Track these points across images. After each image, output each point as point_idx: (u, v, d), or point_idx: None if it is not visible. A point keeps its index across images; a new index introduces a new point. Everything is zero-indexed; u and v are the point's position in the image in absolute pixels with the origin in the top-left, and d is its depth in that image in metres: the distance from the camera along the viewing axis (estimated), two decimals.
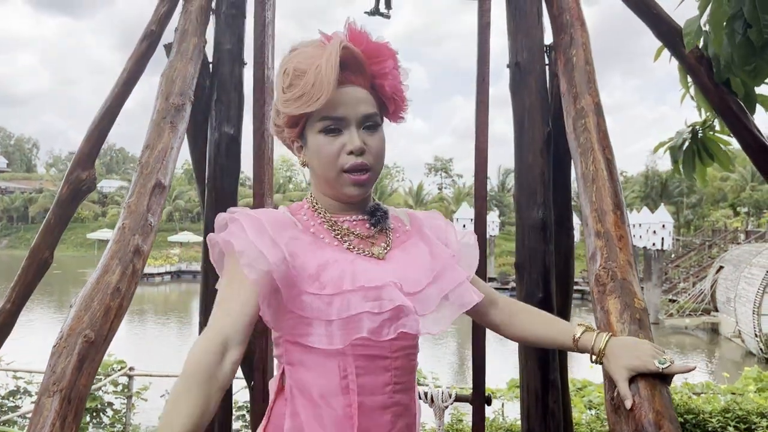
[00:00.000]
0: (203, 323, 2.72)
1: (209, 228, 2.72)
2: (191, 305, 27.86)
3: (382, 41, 1.25)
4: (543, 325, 1.41)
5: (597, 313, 1.57)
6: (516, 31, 2.69)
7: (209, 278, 2.69)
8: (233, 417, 3.09)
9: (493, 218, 28.10)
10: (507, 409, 5.79)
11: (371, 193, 1.33)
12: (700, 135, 2.87)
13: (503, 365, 5.22)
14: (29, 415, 5.42)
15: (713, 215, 46.79)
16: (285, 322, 1.21)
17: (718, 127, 2.85)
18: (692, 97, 2.82)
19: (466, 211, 24.97)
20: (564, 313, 2.77)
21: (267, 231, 1.18)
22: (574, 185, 2.63)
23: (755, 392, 6.10)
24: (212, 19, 2.77)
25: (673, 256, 33.53)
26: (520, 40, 2.66)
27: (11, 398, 5.93)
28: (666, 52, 2.66)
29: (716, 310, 22.94)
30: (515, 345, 2.17)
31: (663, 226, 24.64)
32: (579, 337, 1.31)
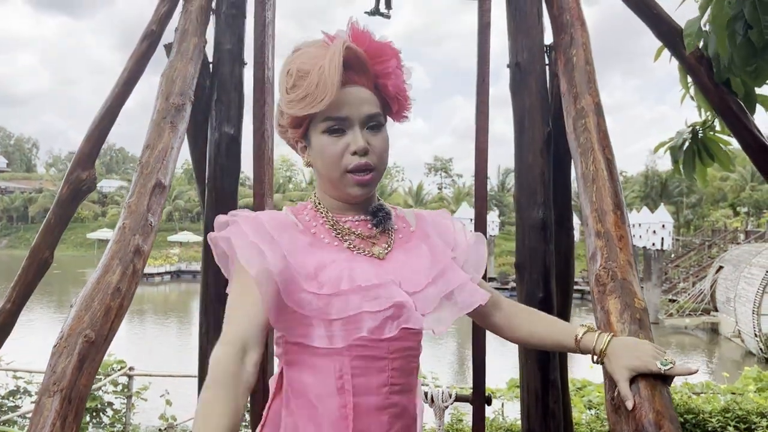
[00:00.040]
0: (204, 323, 2.72)
1: (209, 228, 2.69)
2: (191, 305, 27.86)
3: (385, 41, 1.25)
4: (545, 326, 1.41)
5: (597, 313, 1.57)
6: (516, 31, 2.68)
7: (209, 278, 2.69)
8: None
9: (492, 218, 28.06)
10: (507, 408, 5.80)
11: (375, 193, 1.33)
12: (700, 135, 2.87)
13: (503, 365, 5.21)
14: (29, 415, 5.42)
15: (713, 215, 46.81)
16: (286, 322, 1.21)
17: (718, 127, 2.85)
18: (692, 98, 2.82)
19: (466, 211, 24.96)
20: (564, 313, 2.77)
21: (266, 230, 1.19)
22: (574, 185, 2.64)
23: (755, 392, 6.10)
24: (212, 19, 2.77)
25: (672, 255, 33.53)
26: (520, 40, 2.66)
27: (11, 398, 5.93)
28: (666, 52, 2.66)
29: (716, 309, 22.95)
30: (515, 345, 2.17)
31: (663, 225, 24.64)
32: (581, 338, 1.30)
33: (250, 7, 2.73)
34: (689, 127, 2.93)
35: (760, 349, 18.16)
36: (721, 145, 2.85)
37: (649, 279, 24.13)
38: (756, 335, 18.44)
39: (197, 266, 37.41)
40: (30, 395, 5.94)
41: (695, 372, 1.28)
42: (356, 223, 1.29)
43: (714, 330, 22.88)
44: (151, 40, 2.71)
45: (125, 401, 6.16)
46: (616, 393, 1.26)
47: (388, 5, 3.23)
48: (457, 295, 1.29)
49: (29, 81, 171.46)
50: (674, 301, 25.40)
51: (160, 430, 6.04)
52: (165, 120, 2.26)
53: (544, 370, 2.53)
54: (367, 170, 1.22)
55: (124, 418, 6.11)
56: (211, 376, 1.10)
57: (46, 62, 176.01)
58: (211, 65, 2.79)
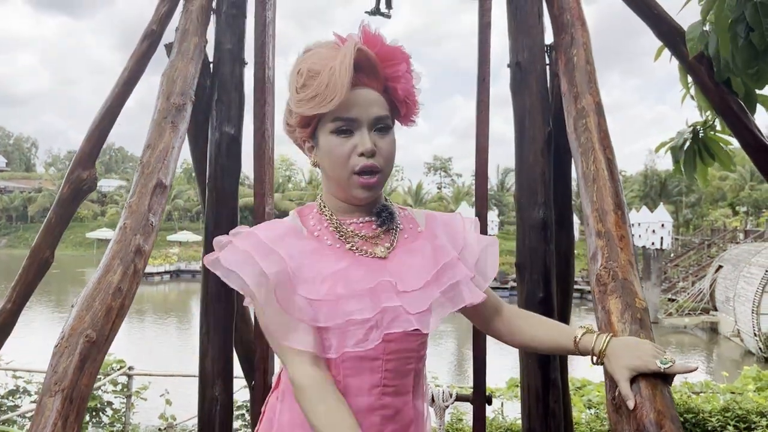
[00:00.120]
0: (204, 324, 2.72)
1: (209, 228, 2.72)
2: (190, 304, 27.85)
3: (396, 44, 1.26)
4: (544, 330, 1.41)
5: (598, 312, 1.57)
6: (516, 31, 2.68)
7: (209, 279, 2.69)
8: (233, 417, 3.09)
9: (492, 218, 28.11)
10: (506, 408, 5.80)
11: (382, 194, 1.33)
12: (701, 135, 2.87)
13: (503, 365, 5.22)
14: (29, 415, 5.44)
15: (712, 214, 46.82)
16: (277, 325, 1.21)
17: (719, 127, 2.85)
18: (692, 97, 2.82)
19: (466, 211, 25.00)
20: (564, 313, 2.77)
21: (262, 242, 1.20)
22: (574, 185, 2.64)
23: (754, 391, 6.11)
24: (213, 18, 2.77)
25: (672, 255, 33.53)
26: (520, 40, 2.66)
27: (11, 398, 5.93)
28: (666, 52, 2.67)
29: (715, 309, 22.96)
30: None
31: (662, 225, 24.66)
32: (580, 339, 1.30)
33: (251, 7, 2.74)
34: (690, 126, 2.93)
35: (760, 348, 18.17)
36: (721, 144, 2.85)
37: (649, 278, 24.14)
38: (755, 334, 18.44)
39: (197, 266, 37.44)
40: (29, 395, 5.94)
41: (695, 369, 1.28)
42: (360, 225, 1.29)
43: (713, 329, 22.88)
44: (151, 39, 2.71)
45: (125, 401, 6.16)
46: (617, 393, 1.26)
47: (389, 5, 3.23)
48: (452, 291, 1.28)
49: (29, 81, 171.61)
50: (673, 300, 25.40)
51: (159, 429, 6.05)
52: (166, 120, 2.26)
53: (544, 369, 2.53)
54: (373, 172, 1.23)
55: (123, 418, 6.11)
56: (309, 390, 1.16)
57: (45, 62, 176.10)
58: (211, 65, 2.79)
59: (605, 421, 5.29)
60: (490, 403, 2.63)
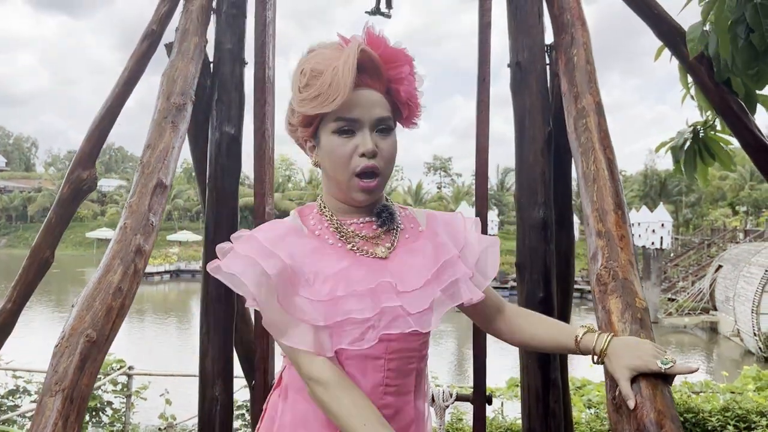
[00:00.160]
0: (204, 324, 2.72)
1: (210, 227, 2.72)
2: (190, 304, 27.85)
3: (400, 47, 1.26)
4: (545, 329, 1.41)
5: (598, 312, 1.57)
6: (517, 31, 2.68)
7: (210, 279, 2.68)
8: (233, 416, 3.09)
9: (491, 217, 28.13)
10: (506, 408, 5.80)
11: (383, 194, 1.34)
12: (701, 135, 2.87)
13: (502, 364, 5.22)
14: (29, 414, 5.43)
15: (712, 214, 46.82)
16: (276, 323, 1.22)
17: (719, 127, 2.85)
18: (692, 97, 2.82)
19: (465, 210, 24.95)
20: (564, 313, 2.77)
21: (262, 245, 1.20)
22: (574, 185, 2.64)
23: (754, 391, 6.11)
24: (213, 18, 2.77)
25: (672, 255, 33.54)
26: (520, 40, 2.66)
27: (10, 397, 5.93)
28: (666, 52, 2.67)
29: (715, 309, 22.97)
30: None
31: (662, 225, 24.67)
32: (581, 339, 1.31)
33: (251, 7, 2.73)
34: (690, 126, 2.93)
35: (759, 348, 18.18)
36: (722, 144, 2.85)
37: (649, 278, 24.15)
38: (755, 334, 18.45)
39: (196, 265, 37.43)
40: (29, 394, 5.94)
41: (696, 370, 1.28)
42: (361, 225, 1.30)
43: (713, 329, 22.89)
44: (151, 39, 2.71)
45: (125, 400, 6.16)
46: (617, 392, 1.26)
47: (389, 5, 3.23)
48: (452, 288, 1.29)
49: (29, 80, 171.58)
50: (673, 300, 25.42)
51: (159, 429, 6.05)
52: (166, 120, 2.26)
53: (544, 369, 2.53)
54: (373, 175, 1.23)
55: (123, 418, 6.11)
56: (331, 385, 1.16)
57: (45, 62, 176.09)
58: (211, 65, 2.79)
59: (605, 420, 5.29)
60: (490, 403, 2.63)
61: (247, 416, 5.55)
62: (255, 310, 2.42)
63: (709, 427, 5.23)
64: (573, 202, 2.92)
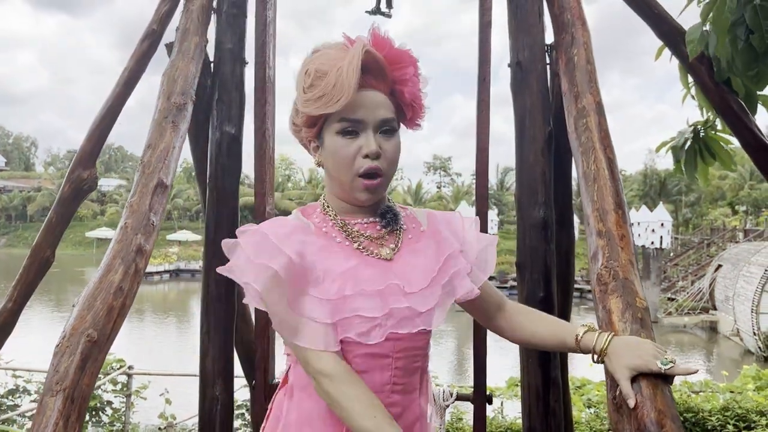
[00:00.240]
0: (204, 323, 2.72)
1: (210, 227, 2.72)
2: (190, 304, 27.85)
3: (405, 48, 1.26)
4: (545, 326, 1.42)
5: (599, 312, 1.57)
6: (517, 31, 2.68)
7: (210, 279, 2.69)
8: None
9: (491, 217, 28.14)
10: (506, 407, 5.80)
11: (385, 195, 1.34)
12: (701, 134, 2.87)
13: (502, 364, 5.22)
14: (29, 414, 5.42)
15: (712, 214, 46.81)
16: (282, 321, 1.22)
17: (719, 126, 2.85)
18: (693, 97, 2.82)
19: (465, 210, 25.01)
20: (564, 313, 2.77)
21: (270, 240, 1.20)
22: (574, 184, 2.64)
23: (754, 390, 6.11)
24: (213, 18, 2.77)
25: (671, 254, 33.56)
26: (521, 40, 2.66)
27: (10, 397, 5.92)
28: (666, 51, 2.67)
29: (715, 308, 22.98)
30: (515, 344, 2.18)
31: (662, 224, 24.68)
32: (581, 337, 1.31)
33: (251, 7, 2.74)
34: (691, 126, 2.93)
35: (759, 347, 18.19)
36: (722, 144, 2.85)
37: (648, 278, 24.16)
38: (755, 334, 18.46)
39: (196, 265, 37.44)
40: (29, 394, 5.94)
41: (695, 372, 1.28)
42: (365, 225, 1.30)
43: (713, 328, 22.91)
44: (152, 39, 2.71)
45: (124, 400, 6.16)
46: (617, 392, 1.27)
47: (389, 4, 3.22)
48: (451, 283, 1.30)
49: (28, 80, 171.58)
50: (673, 299, 25.42)
51: (159, 429, 6.04)
52: (167, 119, 2.26)
53: (545, 368, 2.53)
54: (376, 175, 1.23)
55: (123, 417, 6.11)
56: (337, 379, 1.17)
57: (45, 61, 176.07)
58: (212, 64, 2.79)
59: (605, 420, 5.30)
60: (490, 403, 2.63)
61: (247, 416, 5.56)
62: (255, 309, 2.43)
63: (709, 427, 5.23)
64: (573, 202, 2.93)
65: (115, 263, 1.84)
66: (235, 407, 3.02)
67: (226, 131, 2.73)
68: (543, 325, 1.42)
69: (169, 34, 2.71)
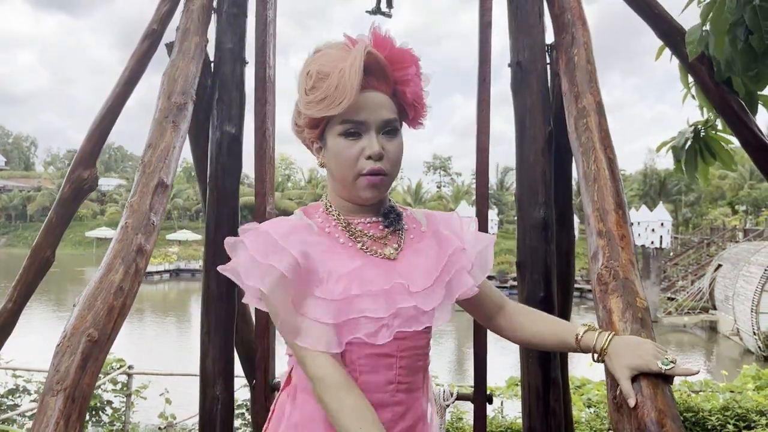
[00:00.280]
0: (205, 323, 2.72)
1: (211, 227, 2.72)
2: (190, 304, 27.84)
3: (406, 47, 1.25)
4: (546, 326, 1.42)
5: (599, 312, 1.57)
6: (517, 31, 2.68)
7: (210, 278, 2.69)
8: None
9: (491, 216, 28.13)
10: (506, 407, 5.81)
11: (387, 195, 1.34)
12: (702, 134, 2.87)
13: (502, 363, 5.23)
14: (29, 414, 5.42)
15: (711, 213, 46.81)
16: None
17: (720, 126, 2.85)
18: (693, 97, 2.82)
19: (465, 210, 25.06)
20: (565, 312, 2.77)
21: (273, 239, 1.19)
22: (574, 184, 2.64)
23: (754, 390, 6.11)
24: (214, 18, 2.77)
25: (671, 254, 33.56)
26: (521, 40, 2.66)
27: (10, 396, 5.93)
28: (667, 51, 2.67)
29: (714, 308, 22.99)
30: (515, 344, 2.18)
31: (661, 224, 24.70)
32: (581, 337, 1.31)
33: (252, 6, 2.74)
34: (691, 126, 2.93)
35: (759, 347, 18.20)
36: (722, 143, 2.85)
37: (648, 277, 24.17)
38: (754, 333, 18.47)
39: (196, 264, 37.43)
40: (29, 394, 5.94)
41: (696, 373, 1.28)
42: (368, 225, 1.30)
43: (712, 328, 22.92)
44: (152, 39, 2.71)
45: (124, 400, 6.16)
46: (618, 391, 1.27)
47: (389, 4, 3.22)
48: (453, 281, 1.30)
49: (28, 79, 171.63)
50: (673, 299, 25.44)
51: (159, 428, 6.05)
52: (167, 119, 2.26)
53: (545, 368, 2.53)
54: (379, 174, 1.23)
55: (123, 417, 6.11)
56: (334, 386, 1.15)
57: (45, 61, 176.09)
58: (212, 64, 2.79)
59: (605, 419, 5.30)
60: (491, 402, 2.63)
61: (247, 415, 5.56)
62: (256, 309, 2.43)
63: (709, 426, 5.23)
64: (573, 202, 2.93)
65: (115, 263, 1.84)
66: (235, 407, 3.02)
67: (227, 131, 2.73)
68: (543, 325, 1.42)
69: (170, 34, 2.71)
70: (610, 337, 1.28)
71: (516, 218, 2.74)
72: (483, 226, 2.57)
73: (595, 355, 1.30)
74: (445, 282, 1.28)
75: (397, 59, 1.24)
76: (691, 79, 2.70)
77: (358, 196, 1.26)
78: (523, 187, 2.64)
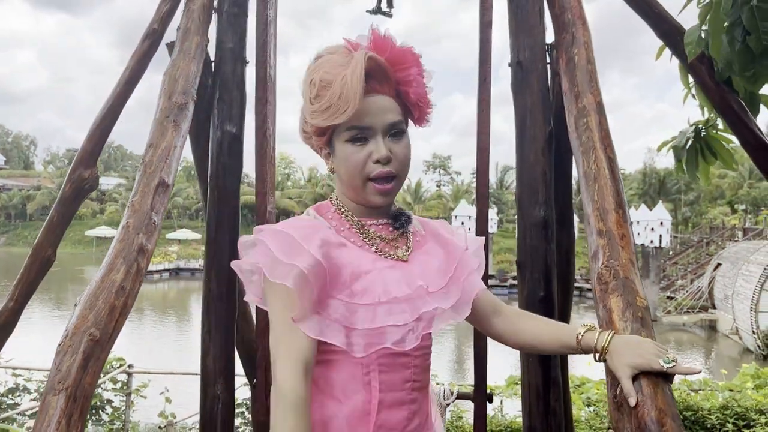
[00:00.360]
0: (206, 322, 2.72)
1: (211, 226, 2.72)
2: (190, 303, 27.86)
3: (406, 46, 1.26)
4: (546, 330, 1.42)
5: (599, 311, 1.58)
6: (517, 30, 2.68)
7: (211, 277, 2.69)
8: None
9: (491, 215, 28.17)
10: (506, 406, 5.81)
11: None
12: (703, 134, 2.88)
13: (502, 363, 5.23)
14: (29, 413, 5.42)
15: (711, 212, 46.82)
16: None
17: (720, 126, 2.85)
18: (694, 96, 2.82)
19: (465, 209, 25.01)
20: (565, 312, 2.78)
21: (294, 239, 1.18)
22: (574, 184, 2.64)
23: (753, 389, 6.11)
24: (214, 17, 2.77)
25: (671, 253, 33.57)
26: (521, 39, 2.66)
27: (10, 396, 5.93)
28: (667, 51, 2.67)
29: (714, 307, 23.00)
30: None
31: (661, 223, 24.70)
32: (582, 337, 1.32)
33: (252, 6, 2.74)
34: (692, 125, 2.94)
35: (758, 346, 18.21)
36: (723, 143, 2.85)
37: (647, 276, 24.18)
38: (754, 332, 18.49)
39: (196, 264, 37.38)
40: (29, 393, 5.95)
41: (698, 372, 1.29)
42: (380, 226, 1.31)
43: (712, 327, 22.93)
44: (153, 39, 2.71)
45: (125, 399, 6.16)
46: (618, 390, 1.27)
47: (390, 4, 3.23)
48: (467, 279, 1.34)
49: (28, 78, 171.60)
50: (672, 298, 25.45)
51: (159, 427, 6.05)
52: (168, 119, 2.26)
53: (545, 367, 2.54)
54: (389, 178, 1.24)
55: (123, 416, 6.12)
56: (287, 401, 1.11)
57: (44, 60, 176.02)
58: (213, 64, 2.79)
59: (605, 418, 5.30)
60: (491, 401, 2.63)
61: (248, 414, 5.56)
62: (257, 308, 2.43)
63: (709, 425, 5.24)
64: (573, 201, 2.93)
65: (116, 263, 1.84)
66: (235, 406, 3.02)
67: (227, 130, 2.74)
68: (544, 329, 1.43)
69: (170, 34, 2.72)
70: (610, 336, 1.29)
71: (516, 217, 2.74)
72: (483, 225, 2.58)
73: (596, 355, 1.30)
74: (461, 281, 1.31)
75: (399, 60, 1.24)
76: (691, 78, 2.71)
77: (368, 200, 1.27)
78: (523, 186, 2.65)
